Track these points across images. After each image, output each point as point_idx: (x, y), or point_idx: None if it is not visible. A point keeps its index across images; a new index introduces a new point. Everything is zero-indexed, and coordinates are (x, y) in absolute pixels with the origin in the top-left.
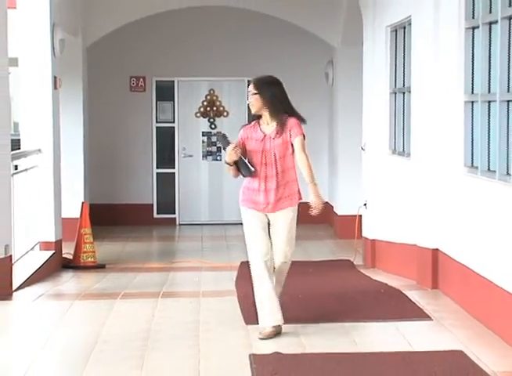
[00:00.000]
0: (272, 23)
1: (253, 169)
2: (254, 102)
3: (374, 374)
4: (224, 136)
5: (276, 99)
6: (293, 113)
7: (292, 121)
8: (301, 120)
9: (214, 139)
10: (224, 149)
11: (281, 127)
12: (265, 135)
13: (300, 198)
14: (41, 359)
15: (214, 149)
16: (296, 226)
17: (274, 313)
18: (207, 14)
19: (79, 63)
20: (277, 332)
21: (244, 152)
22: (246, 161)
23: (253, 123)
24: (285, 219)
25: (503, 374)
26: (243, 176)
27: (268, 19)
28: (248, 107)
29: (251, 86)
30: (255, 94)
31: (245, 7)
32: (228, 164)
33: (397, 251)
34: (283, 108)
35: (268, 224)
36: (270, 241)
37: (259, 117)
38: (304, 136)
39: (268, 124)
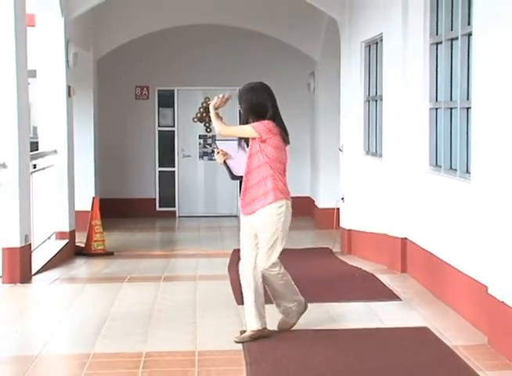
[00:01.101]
0: (261, 39)
1: (234, 174)
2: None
3: (350, 348)
4: (214, 143)
5: (246, 108)
6: (262, 118)
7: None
8: (278, 123)
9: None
10: None
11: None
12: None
13: (278, 196)
14: (57, 334)
15: (209, 150)
16: (280, 237)
17: (250, 319)
18: (204, 32)
19: (90, 74)
20: (254, 337)
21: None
22: (229, 165)
23: None
24: (258, 222)
25: (463, 347)
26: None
27: (257, 36)
28: (239, 113)
29: None
30: (240, 105)
31: (237, 25)
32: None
33: (370, 240)
34: (253, 115)
35: None
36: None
37: None
38: (253, 128)
39: None
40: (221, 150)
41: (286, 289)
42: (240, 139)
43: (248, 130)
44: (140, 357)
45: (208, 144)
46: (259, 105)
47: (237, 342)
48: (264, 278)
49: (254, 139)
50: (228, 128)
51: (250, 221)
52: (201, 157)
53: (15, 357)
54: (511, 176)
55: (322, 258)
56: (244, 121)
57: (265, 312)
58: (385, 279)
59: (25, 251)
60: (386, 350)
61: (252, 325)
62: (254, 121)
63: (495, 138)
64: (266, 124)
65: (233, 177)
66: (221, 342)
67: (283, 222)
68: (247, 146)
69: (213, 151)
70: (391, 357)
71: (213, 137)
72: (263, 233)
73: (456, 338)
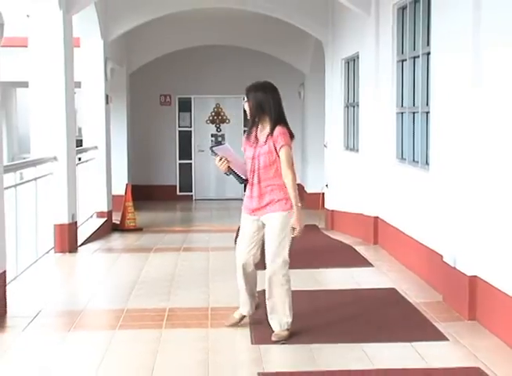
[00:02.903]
0: (261, 56)
1: (243, 178)
2: (246, 108)
3: (332, 304)
4: (212, 151)
5: (261, 105)
6: (279, 120)
7: (278, 130)
8: (288, 128)
9: (211, 154)
10: None
11: (269, 135)
12: (257, 142)
13: (287, 205)
14: (98, 293)
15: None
16: (288, 236)
17: (243, 305)
18: (215, 51)
19: (124, 85)
20: (241, 319)
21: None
22: (236, 171)
23: (253, 129)
24: (273, 224)
25: (423, 303)
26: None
27: (258, 54)
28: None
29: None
30: (246, 101)
31: (241, 46)
32: (226, 174)
33: (349, 218)
34: (270, 115)
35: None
36: (257, 246)
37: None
38: (290, 147)
39: (262, 131)
40: (223, 156)
41: (285, 299)
42: (249, 140)
43: (289, 151)
44: (164, 312)
45: (218, 142)
46: (264, 103)
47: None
48: (268, 283)
49: (272, 150)
50: (291, 173)
51: (260, 221)
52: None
53: (65, 311)
54: (461, 166)
55: (309, 233)
56: (253, 116)
57: (252, 299)
58: (361, 249)
59: (72, 227)
60: (361, 306)
61: (243, 310)
62: (259, 117)
63: (448, 136)
64: (285, 132)
65: (242, 181)
66: (229, 300)
67: (289, 226)
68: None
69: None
70: (366, 312)
71: (222, 136)
72: (274, 234)
73: (417, 296)
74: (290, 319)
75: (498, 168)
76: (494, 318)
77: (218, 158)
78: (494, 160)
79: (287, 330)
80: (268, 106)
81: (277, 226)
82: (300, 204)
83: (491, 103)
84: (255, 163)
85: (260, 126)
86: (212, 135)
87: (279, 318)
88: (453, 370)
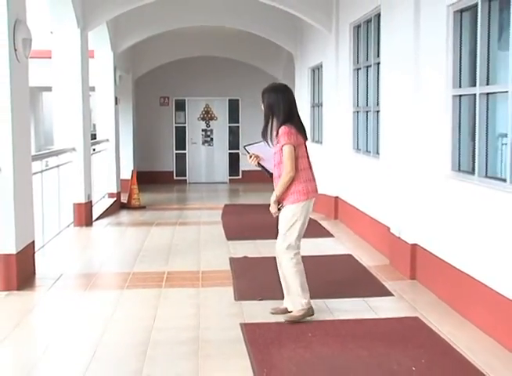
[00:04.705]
0: (243, 65)
1: (270, 171)
2: (263, 109)
3: None
4: (244, 149)
5: (271, 107)
6: (286, 121)
7: (280, 131)
8: (294, 127)
9: (242, 152)
10: None
11: (276, 136)
12: (277, 142)
13: (299, 198)
14: (109, 259)
15: (208, 139)
16: (297, 225)
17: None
18: (205, 60)
19: (130, 89)
20: (284, 311)
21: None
22: (264, 165)
23: (267, 129)
24: (284, 214)
25: (373, 266)
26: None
27: (240, 63)
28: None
29: None
30: (262, 103)
31: (227, 57)
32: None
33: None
34: (278, 117)
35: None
36: None
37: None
38: (291, 145)
39: (274, 131)
40: (253, 154)
41: (295, 280)
42: (265, 138)
43: (289, 150)
44: (163, 274)
45: (207, 136)
46: (273, 105)
47: (283, 318)
48: (279, 264)
49: (278, 149)
50: (288, 168)
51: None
52: (203, 143)
53: (82, 274)
54: (404, 154)
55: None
56: (266, 116)
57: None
58: (324, 223)
59: (88, 205)
60: (324, 269)
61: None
62: (273, 117)
63: (394, 130)
64: (286, 132)
65: (270, 174)
66: (216, 264)
67: (300, 217)
68: (272, 143)
69: (211, 139)
70: (328, 273)
71: (211, 131)
72: (283, 222)
73: (369, 260)
74: (304, 300)
75: (431, 155)
76: (430, 278)
77: (249, 156)
78: (429, 149)
79: (302, 310)
80: (277, 109)
81: (287, 216)
82: (276, 196)
83: (426, 104)
84: (274, 160)
85: (273, 126)
86: (203, 130)
87: (293, 298)
88: (397, 320)
